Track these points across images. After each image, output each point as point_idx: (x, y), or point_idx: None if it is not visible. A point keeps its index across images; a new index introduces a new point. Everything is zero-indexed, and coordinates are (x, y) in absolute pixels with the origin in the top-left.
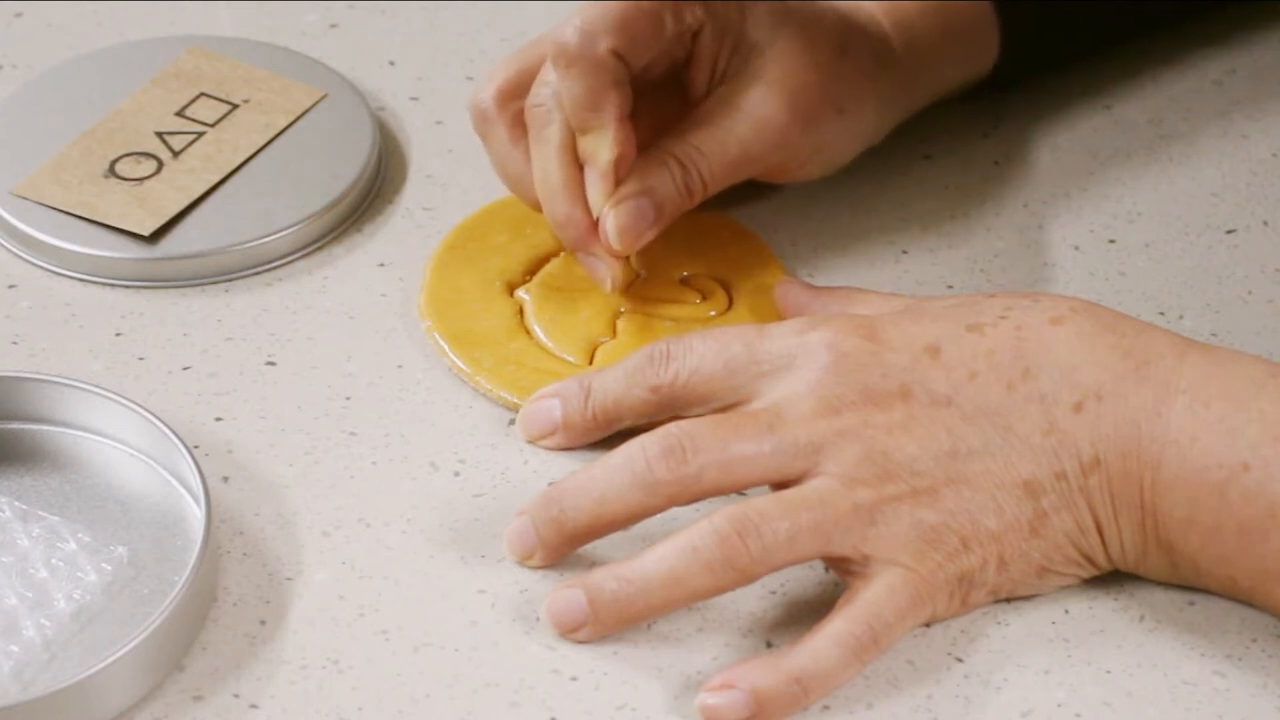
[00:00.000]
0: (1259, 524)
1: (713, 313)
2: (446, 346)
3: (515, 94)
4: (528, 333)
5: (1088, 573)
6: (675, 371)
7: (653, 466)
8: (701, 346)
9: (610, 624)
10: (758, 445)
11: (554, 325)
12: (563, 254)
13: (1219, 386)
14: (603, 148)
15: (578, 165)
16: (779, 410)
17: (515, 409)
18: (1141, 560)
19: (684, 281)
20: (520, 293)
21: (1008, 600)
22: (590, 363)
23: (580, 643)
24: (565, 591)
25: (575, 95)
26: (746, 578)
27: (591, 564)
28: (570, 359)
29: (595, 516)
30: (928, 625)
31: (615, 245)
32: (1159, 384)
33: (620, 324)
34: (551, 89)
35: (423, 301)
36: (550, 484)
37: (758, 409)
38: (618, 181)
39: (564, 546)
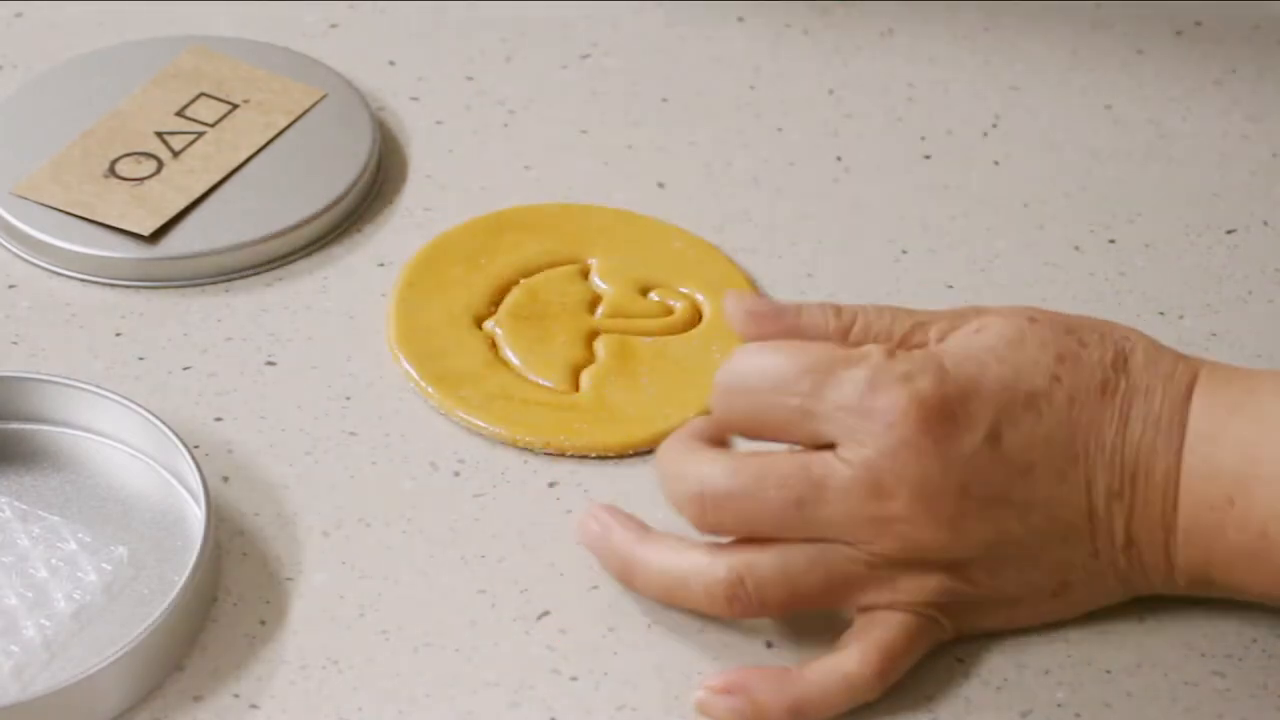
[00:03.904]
0: (1259, 547)
1: (684, 325)
2: (430, 388)
3: None
4: (505, 364)
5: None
6: (725, 409)
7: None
8: (758, 389)
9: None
10: (782, 514)
11: (531, 355)
12: (524, 281)
13: (1205, 427)
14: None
15: None
16: (825, 483)
17: (511, 442)
18: (1169, 592)
19: (651, 296)
20: (489, 325)
21: None
22: (576, 389)
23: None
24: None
25: None
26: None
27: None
28: (550, 385)
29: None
30: None
31: None
32: (1175, 448)
33: (598, 346)
34: None
35: (393, 343)
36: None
37: (801, 472)
38: None
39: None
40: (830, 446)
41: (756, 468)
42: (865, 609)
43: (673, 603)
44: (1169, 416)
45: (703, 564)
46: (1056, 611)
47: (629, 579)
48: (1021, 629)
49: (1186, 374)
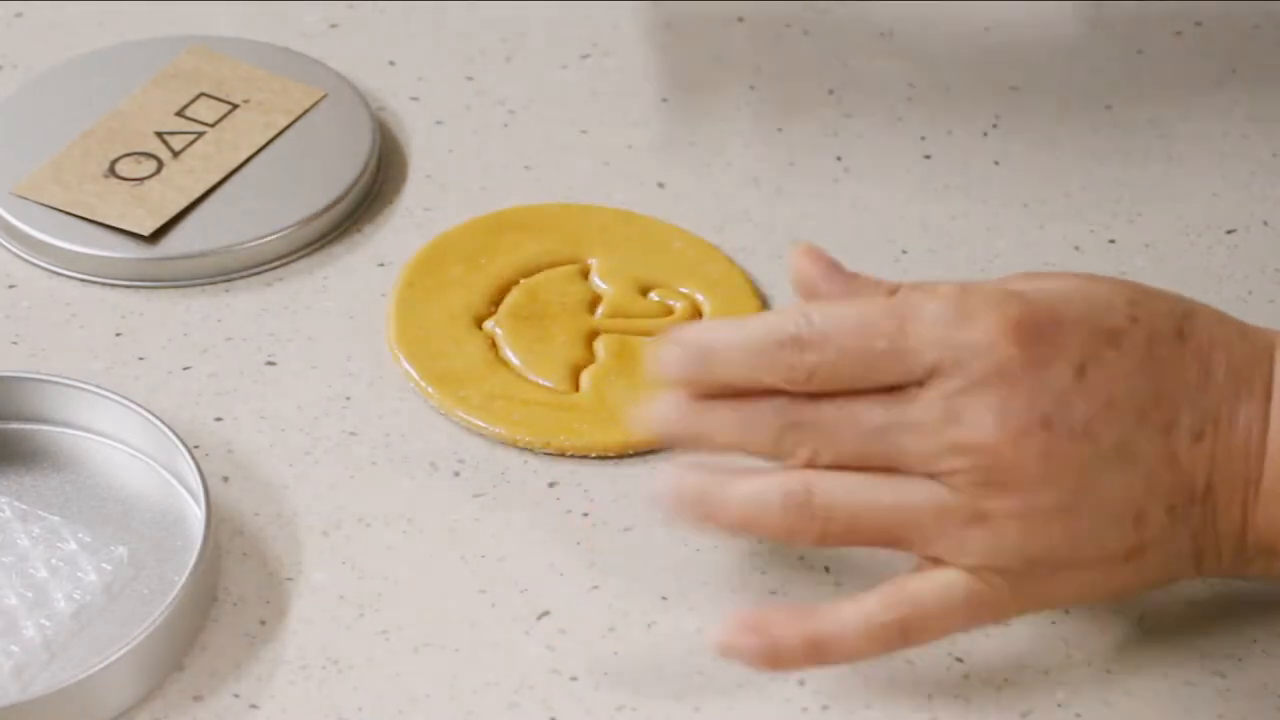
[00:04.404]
0: None
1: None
2: (430, 388)
3: None
4: (505, 364)
5: (1162, 586)
6: (812, 367)
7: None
8: (840, 338)
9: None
10: (867, 448)
11: (531, 355)
12: (523, 281)
13: None
14: None
15: None
16: (915, 424)
17: (511, 442)
18: (1239, 568)
19: (651, 297)
20: (489, 324)
21: None
22: (576, 389)
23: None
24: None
25: None
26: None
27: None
28: (550, 385)
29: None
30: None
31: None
32: (1260, 397)
33: (598, 346)
34: None
35: (393, 343)
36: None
37: (891, 433)
38: None
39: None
40: (912, 386)
41: (843, 413)
42: (924, 559)
43: (751, 529)
44: (1251, 369)
45: (776, 479)
46: (1126, 582)
47: (710, 513)
48: (1020, 630)
49: (1263, 335)
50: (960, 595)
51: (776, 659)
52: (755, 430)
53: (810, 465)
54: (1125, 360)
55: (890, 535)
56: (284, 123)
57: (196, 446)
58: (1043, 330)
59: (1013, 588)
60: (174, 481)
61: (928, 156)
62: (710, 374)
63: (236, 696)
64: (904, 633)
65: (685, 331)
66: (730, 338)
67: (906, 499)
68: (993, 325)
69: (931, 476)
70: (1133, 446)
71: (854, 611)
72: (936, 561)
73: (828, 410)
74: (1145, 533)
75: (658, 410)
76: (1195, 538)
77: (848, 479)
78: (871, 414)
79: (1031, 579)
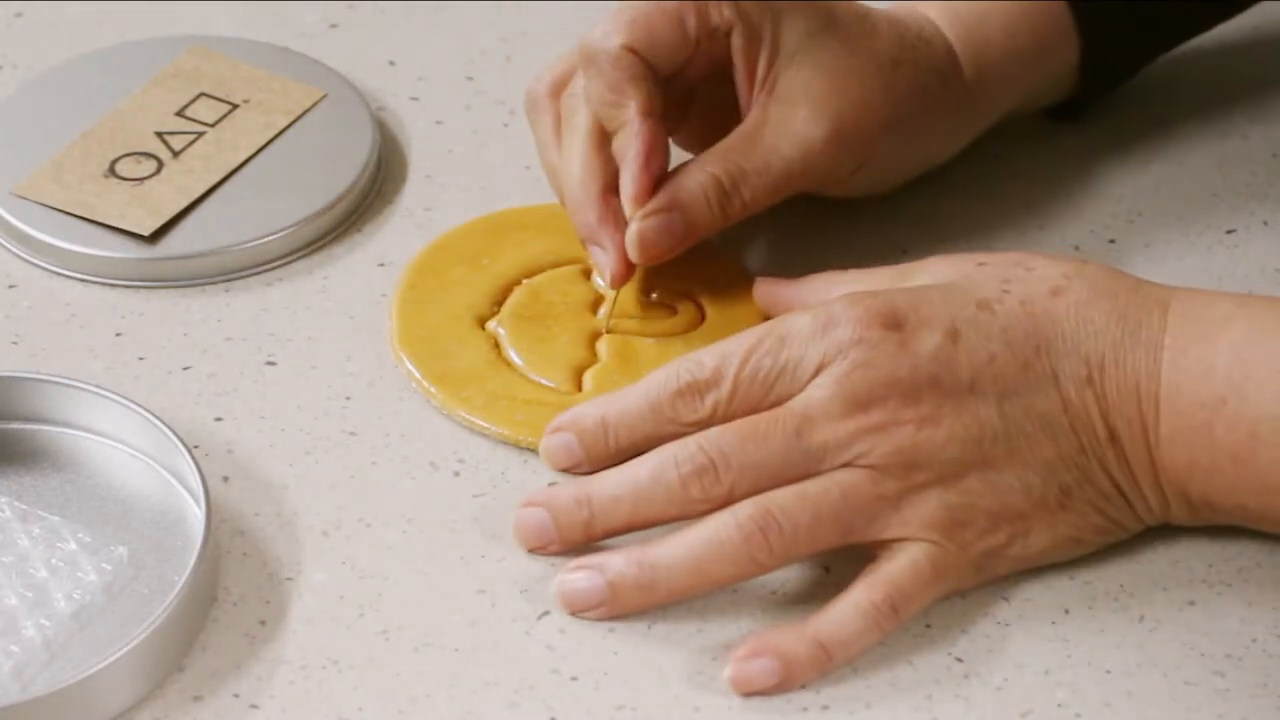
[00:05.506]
0: (1246, 448)
1: (686, 327)
2: (433, 389)
3: (566, 87)
4: (508, 365)
5: (1121, 536)
6: (713, 404)
7: (686, 485)
8: (731, 370)
9: (628, 608)
10: (785, 453)
11: (533, 355)
12: (526, 282)
13: (1194, 331)
14: (630, 141)
15: (600, 155)
16: (806, 413)
17: (514, 442)
18: (1166, 512)
19: (652, 298)
20: (492, 325)
21: (1015, 585)
22: (579, 388)
23: (591, 620)
24: (582, 574)
25: (596, 90)
26: (767, 569)
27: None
28: (552, 385)
29: (628, 524)
30: (947, 598)
31: (633, 257)
32: (1148, 343)
33: (601, 346)
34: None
35: (396, 344)
36: (571, 481)
37: (785, 412)
38: (651, 177)
39: (586, 543)
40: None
41: (741, 425)
42: (879, 547)
43: (705, 578)
44: (1139, 316)
45: (724, 517)
46: (1079, 529)
47: (651, 591)
48: (1020, 630)
49: (1158, 289)
50: (925, 564)
51: (789, 671)
52: (659, 494)
53: (730, 501)
54: (999, 319)
55: (842, 531)
56: (284, 123)
57: (196, 446)
58: (903, 312)
59: (960, 548)
60: (174, 481)
61: None
62: (615, 444)
63: (236, 696)
64: (894, 608)
65: (577, 411)
66: (626, 404)
67: (842, 493)
68: (858, 320)
69: (848, 465)
70: (1022, 394)
71: (845, 603)
72: (891, 542)
73: (728, 439)
74: (1065, 475)
75: (540, 527)
76: (1114, 479)
77: (785, 492)
78: (773, 426)
79: (974, 533)
